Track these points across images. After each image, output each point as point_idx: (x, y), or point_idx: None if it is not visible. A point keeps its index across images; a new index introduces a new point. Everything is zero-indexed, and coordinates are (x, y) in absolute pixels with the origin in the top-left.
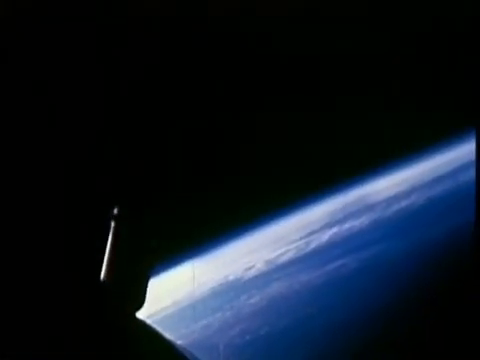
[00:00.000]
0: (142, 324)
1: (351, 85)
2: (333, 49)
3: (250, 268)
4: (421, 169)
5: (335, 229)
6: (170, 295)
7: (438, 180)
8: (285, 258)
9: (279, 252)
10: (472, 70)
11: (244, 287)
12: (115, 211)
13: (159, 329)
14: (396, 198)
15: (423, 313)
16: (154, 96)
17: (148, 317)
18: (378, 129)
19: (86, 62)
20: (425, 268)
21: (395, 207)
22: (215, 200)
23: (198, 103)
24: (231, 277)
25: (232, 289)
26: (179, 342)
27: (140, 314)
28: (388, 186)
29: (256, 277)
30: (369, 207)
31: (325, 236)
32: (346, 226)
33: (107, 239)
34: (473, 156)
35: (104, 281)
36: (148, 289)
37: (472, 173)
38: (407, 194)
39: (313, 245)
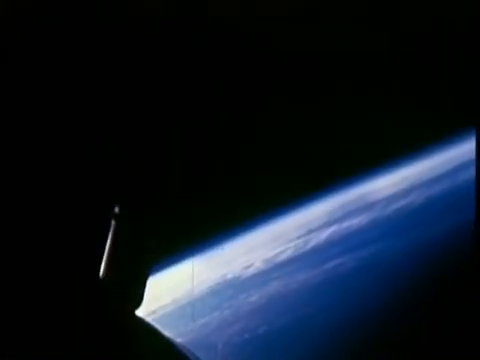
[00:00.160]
0: (141, 322)
1: (351, 85)
2: (333, 49)
3: (249, 267)
4: (420, 168)
5: (334, 228)
6: (169, 293)
7: (437, 179)
8: (284, 257)
9: (278, 251)
10: (472, 70)
11: (243, 286)
12: (115, 210)
13: (158, 327)
14: (395, 197)
15: (422, 312)
16: (154, 96)
17: (147, 315)
18: (378, 129)
19: (86, 62)
20: (424, 267)
21: (394, 206)
22: (214, 199)
23: (198, 103)
24: (230, 276)
25: (231, 288)
26: (178, 340)
27: (139, 312)
28: (387, 185)
29: (255, 276)
30: (368, 206)
31: (324, 235)
32: (345, 225)
33: (106, 238)
34: (473, 156)
35: (103, 280)
36: (147, 288)
37: (472, 173)
38: (406, 193)
39: (312, 244)
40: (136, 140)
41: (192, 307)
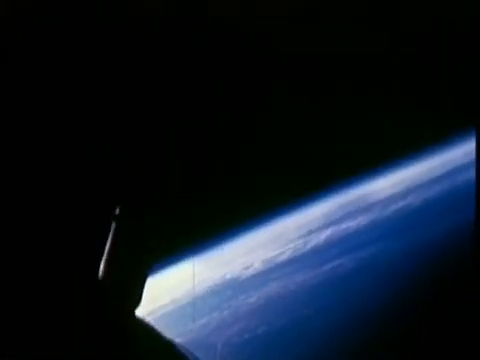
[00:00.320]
0: (140, 322)
1: (350, 85)
2: (333, 49)
3: (248, 267)
4: (420, 169)
5: (332, 229)
6: (169, 293)
7: (437, 180)
8: (283, 258)
9: (277, 252)
10: (472, 70)
11: (242, 286)
12: (115, 211)
13: (157, 327)
14: (394, 198)
15: (420, 313)
16: (154, 96)
17: (147, 315)
18: (378, 129)
19: (86, 62)
20: (422, 268)
21: (393, 207)
22: (214, 199)
23: (198, 103)
24: (229, 276)
25: (230, 288)
26: (177, 340)
27: (139, 312)
28: (387, 186)
29: (254, 276)
30: (367, 207)
31: (322, 236)
32: (343, 226)
33: (106, 238)
34: (473, 156)
35: (103, 279)
36: (146, 288)
37: (472, 173)
38: (405, 194)
39: (311, 245)
40: (136, 140)
41: (192, 307)
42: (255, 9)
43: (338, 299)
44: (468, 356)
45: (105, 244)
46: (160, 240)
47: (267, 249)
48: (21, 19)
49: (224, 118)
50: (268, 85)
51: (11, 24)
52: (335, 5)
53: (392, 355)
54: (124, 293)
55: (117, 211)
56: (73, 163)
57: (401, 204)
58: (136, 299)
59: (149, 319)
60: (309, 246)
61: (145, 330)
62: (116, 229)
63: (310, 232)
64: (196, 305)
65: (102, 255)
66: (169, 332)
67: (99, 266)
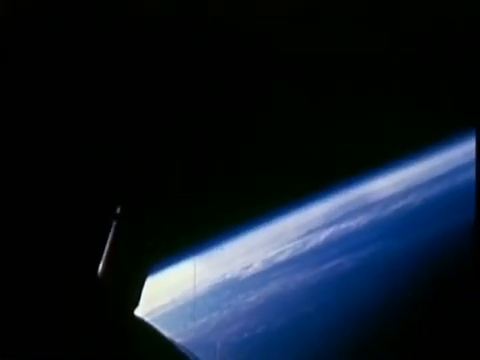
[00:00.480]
0: (140, 322)
1: (350, 85)
2: (333, 49)
3: (248, 267)
4: (420, 169)
5: (332, 229)
6: (169, 293)
7: (437, 180)
8: (282, 257)
9: (276, 251)
10: (472, 70)
11: (242, 286)
12: (115, 210)
13: (157, 327)
14: (394, 198)
15: (419, 313)
16: (154, 96)
17: (147, 315)
18: (378, 129)
19: (86, 62)
20: (422, 268)
21: (393, 207)
22: (214, 199)
23: (198, 103)
24: (229, 276)
25: (230, 288)
26: (177, 340)
27: (139, 312)
28: (387, 186)
29: (254, 276)
30: (367, 207)
31: (322, 236)
32: (343, 226)
33: (106, 238)
34: (473, 156)
35: (102, 279)
36: (146, 288)
37: (472, 173)
38: (405, 194)
39: (310, 245)
40: (136, 140)
41: (191, 307)
42: (255, 9)
43: (338, 299)
44: (468, 356)
45: (105, 244)
46: (160, 240)
47: (267, 249)
48: (21, 19)
49: (224, 118)
50: (268, 85)
51: (11, 24)
52: (335, 5)
53: (392, 355)
54: (123, 293)
55: (117, 211)
56: (73, 163)
57: (401, 204)
58: (135, 299)
59: (149, 319)
60: (309, 246)
61: (145, 330)
62: (116, 229)
63: (310, 232)
64: (196, 305)
65: (102, 255)
66: (169, 332)
67: (98, 266)
